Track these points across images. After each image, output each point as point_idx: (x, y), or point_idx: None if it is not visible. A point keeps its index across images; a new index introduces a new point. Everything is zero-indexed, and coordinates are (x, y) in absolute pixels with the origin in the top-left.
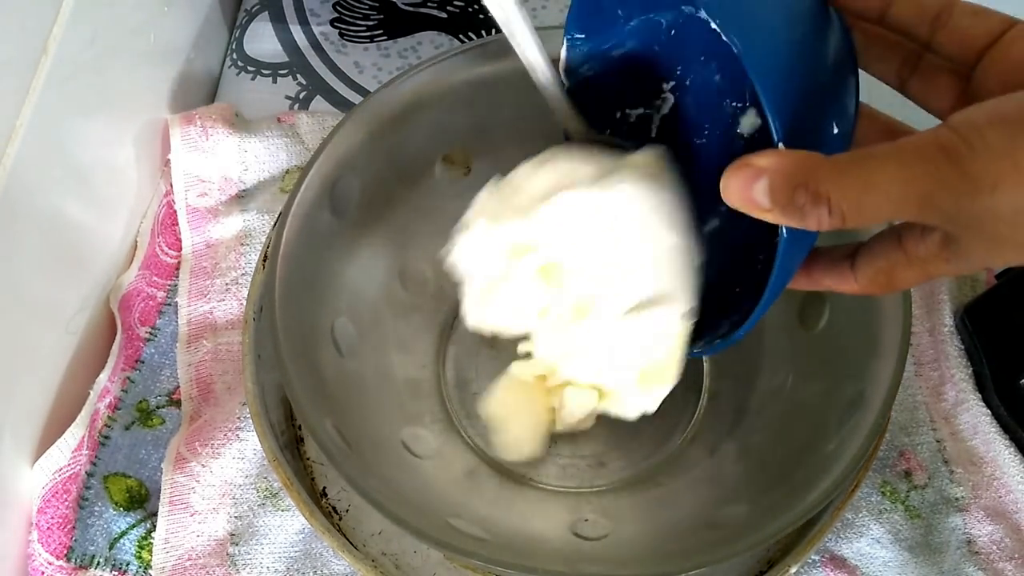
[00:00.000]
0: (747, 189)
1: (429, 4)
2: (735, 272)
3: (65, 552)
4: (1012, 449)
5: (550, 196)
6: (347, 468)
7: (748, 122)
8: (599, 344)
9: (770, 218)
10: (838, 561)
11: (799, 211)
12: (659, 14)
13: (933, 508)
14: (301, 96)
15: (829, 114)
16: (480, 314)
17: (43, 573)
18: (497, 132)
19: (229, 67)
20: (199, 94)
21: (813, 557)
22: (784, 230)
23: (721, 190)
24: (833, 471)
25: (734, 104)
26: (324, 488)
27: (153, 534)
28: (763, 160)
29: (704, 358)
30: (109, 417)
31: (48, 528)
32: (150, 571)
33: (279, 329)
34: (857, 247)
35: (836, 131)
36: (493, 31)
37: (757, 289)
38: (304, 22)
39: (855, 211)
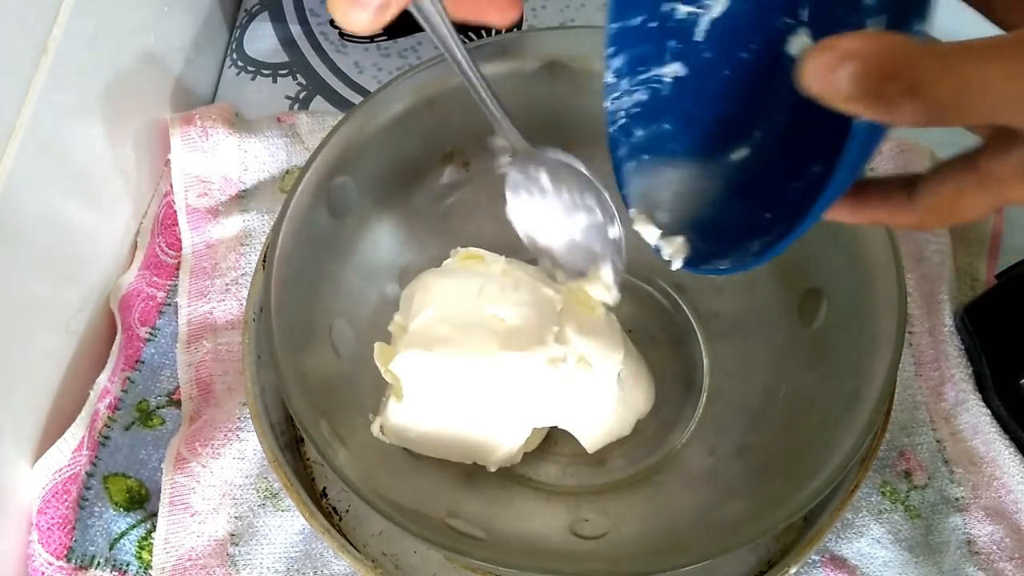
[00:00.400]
0: (830, 74)
1: None
2: (767, 197)
3: (65, 552)
4: (1012, 449)
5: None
6: (344, 470)
7: (798, 43)
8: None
9: (850, 109)
10: (838, 561)
11: (887, 102)
12: None
13: (933, 508)
14: (301, 96)
15: (912, 10)
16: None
17: (43, 573)
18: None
19: (229, 67)
20: (199, 94)
21: (813, 557)
22: (858, 125)
23: (798, 75)
24: (829, 466)
25: (787, 21)
26: (324, 488)
27: (153, 534)
28: (852, 42)
29: (704, 358)
30: (109, 417)
31: (48, 528)
32: (150, 571)
33: (275, 332)
34: (914, 177)
35: (916, 30)
36: (493, 32)
37: (791, 214)
38: (304, 22)
39: (953, 107)
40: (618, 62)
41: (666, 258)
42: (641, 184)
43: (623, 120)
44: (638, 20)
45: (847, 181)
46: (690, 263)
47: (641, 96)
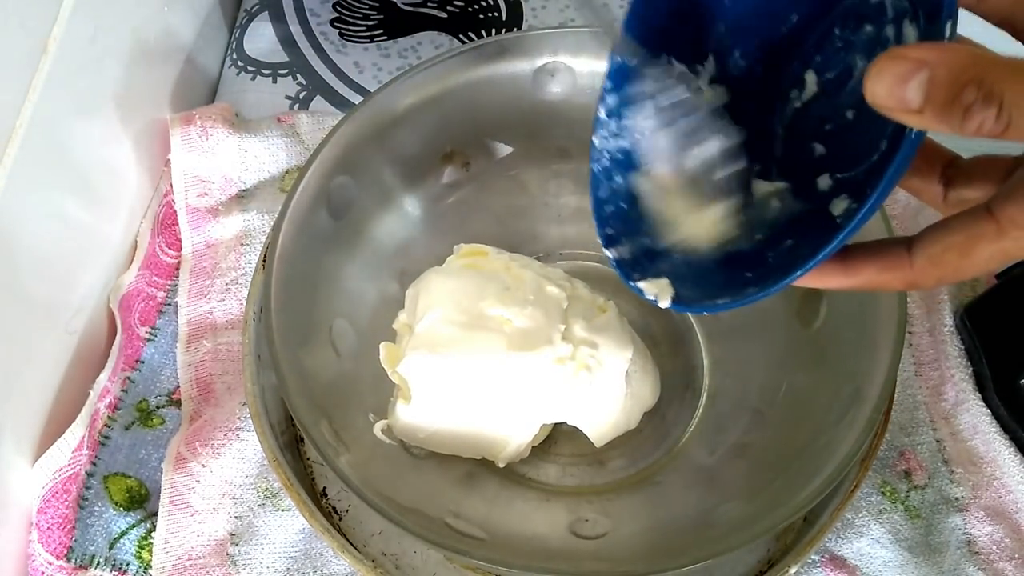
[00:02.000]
0: (900, 85)
1: (429, 4)
2: (745, 260)
3: (65, 552)
4: (1012, 449)
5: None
6: (344, 470)
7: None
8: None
9: (915, 121)
10: (838, 561)
11: (961, 112)
12: None
13: (933, 508)
14: (301, 96)
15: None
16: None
17: (43, 573)
18: (496, 132)
19: (229, 67)
20: (199, 94)
21: (813, 557)
22: (907, 142)
23: (865, 86)
24: (829, 466)
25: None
26: (324, 488)
27: (153, 534)
28: (923, 51)
29: (704, 357)
30: (109, 417)
31: (48, 528)
32: (150, 571)
33: (275, 332)
34: (911, 237)
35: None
36: (492, 31)
37: (771, 273)
38: (304, 22)
39: None
40: (612, 100)
41: (650, 298)
42: (620, 227)
43: (607, 162)
44: (637, 62)
45: (881, 199)
46: (677, 303)
47: (624, 144)
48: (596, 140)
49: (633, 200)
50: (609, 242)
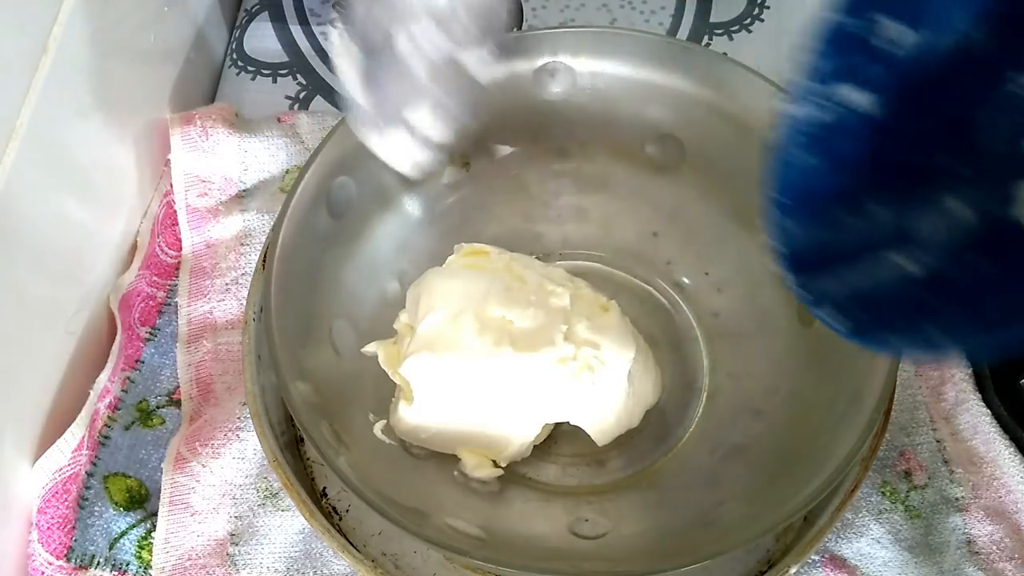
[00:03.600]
0: None
1: None
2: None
3: (65, 552)
4: (1012, 449)
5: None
6: (344, 470)
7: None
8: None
9: None
10: (838, 561)
11: None
12: None
13: (933, 508)
14: (301, 96)
15: None
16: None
17: (43, 573)
18: (496, 132)
19: (229, 67)
20: (199, 94)
21: (813, 557)
22: None
23: None
24: (829, 467)
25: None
26: (324, 488)
27: (153, 534)
28: None
29: (704, 358)
30: (109, 417)
31: (48, 528)
32: (150, 571)
33: (275, 332)
34: None
35: None
36: None
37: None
38: (304, 22)
39: None
40: (819, 62)
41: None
42: (800, 218)
43: (798, 135)
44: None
45: None
46: (856, 333)
47: (821, 115)
48: (790, 105)
49: (825, 182)
50: (782, 234)
